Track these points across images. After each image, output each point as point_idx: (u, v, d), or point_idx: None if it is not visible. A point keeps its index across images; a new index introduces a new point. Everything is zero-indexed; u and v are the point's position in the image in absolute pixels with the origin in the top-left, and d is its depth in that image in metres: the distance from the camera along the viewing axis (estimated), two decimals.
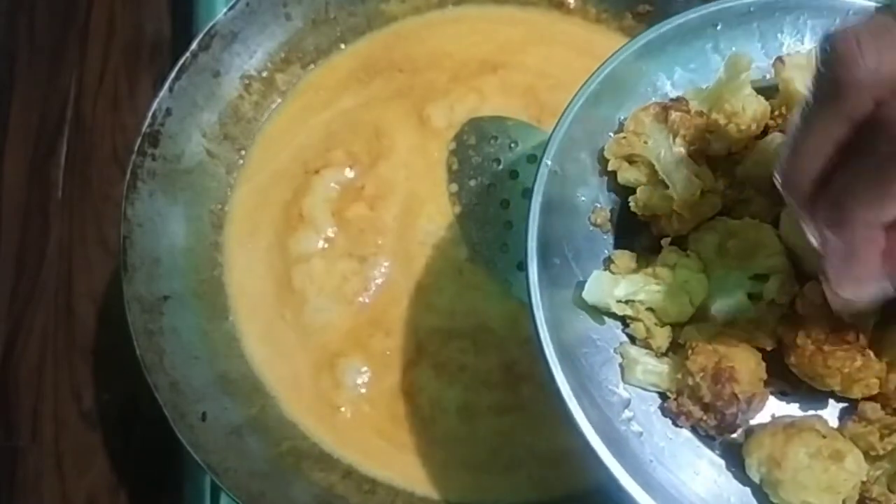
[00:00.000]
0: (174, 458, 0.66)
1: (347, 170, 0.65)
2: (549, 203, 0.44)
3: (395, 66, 0.68)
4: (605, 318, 0.44)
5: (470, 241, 0.63)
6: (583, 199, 0.46)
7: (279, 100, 0.69)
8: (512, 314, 0.61)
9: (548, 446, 0.59)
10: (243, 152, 0.67)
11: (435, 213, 0.64)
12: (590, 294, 0.43)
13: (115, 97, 0.82)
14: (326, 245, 0.64)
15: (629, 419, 0.42)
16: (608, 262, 0.45)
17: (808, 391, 0.43)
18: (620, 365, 0.43)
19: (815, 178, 0.34)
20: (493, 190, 0.64)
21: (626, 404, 0.42)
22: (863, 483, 0.40)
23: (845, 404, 0.43)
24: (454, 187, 0.65)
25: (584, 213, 0.45)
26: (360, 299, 0.63)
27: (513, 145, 0.65)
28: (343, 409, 0.61)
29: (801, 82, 0.45)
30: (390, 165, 0.65)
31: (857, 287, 0.34)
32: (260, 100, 0.68)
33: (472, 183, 0.65)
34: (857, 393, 0.41)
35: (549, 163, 0.44)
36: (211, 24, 0.64)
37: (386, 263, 0.63)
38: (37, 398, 0.74)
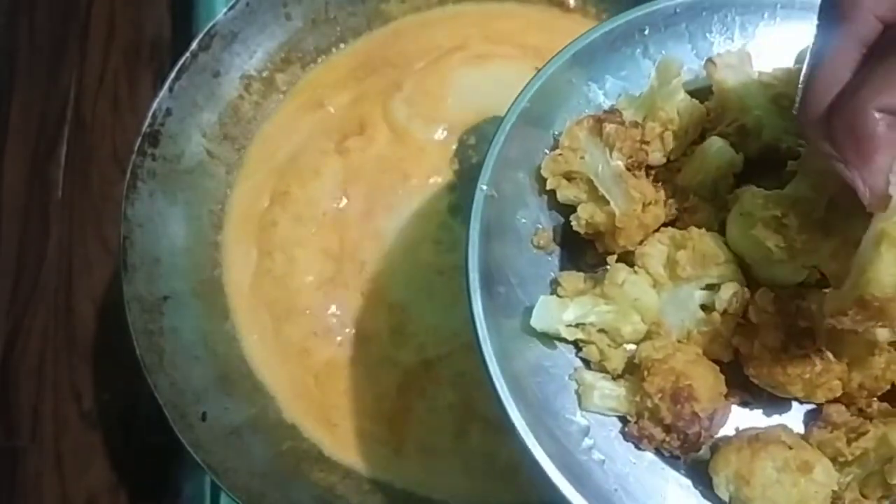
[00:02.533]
0: (174, 458, 0.66)
1: (328, 162, 0.65)
2: (489, 229, 0.42)
3: (389, 63, 0.68)
4: (557, 344, 0.42)
5: None
6: (523, 221, 0.43)
7: (279, 99, 0.69)
8: None
9: None
10: (242, 152, 0.67)
11: (429, 211, 0.64)
12: (538, 320, 0.41)
13: (115, 97, 0.82)
14: (300, 241, 0.64)
15: (590, 448, 0.40)
16: (555, 285, 0.43)
17: (770, 398, 0.42)
18: (576, 392, 0.41)
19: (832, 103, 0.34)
20: None
21: (586, 432, 0.40)
22: (834, 492, 0.39)
23: (810, 407, 0.42)
24: (455, 187, 0.65)
25: (525, 235, 0.43)
26: (343, 329, 0.62)
27: None
28: (340, 423, 0.61)
29: (734, 82, 0.44)
30: (365, 157, 0.65)
31: (882, 175, 0.33)
32: (260, 100, 0.68)
33: (473, 183, 0.64)
34: (820, 397, 0.40)
35: (485, 187, 0.42)
36: (211, 24, 0.64)
37: (364, 261, 0.63)
38: (37, 398, 0.74)
